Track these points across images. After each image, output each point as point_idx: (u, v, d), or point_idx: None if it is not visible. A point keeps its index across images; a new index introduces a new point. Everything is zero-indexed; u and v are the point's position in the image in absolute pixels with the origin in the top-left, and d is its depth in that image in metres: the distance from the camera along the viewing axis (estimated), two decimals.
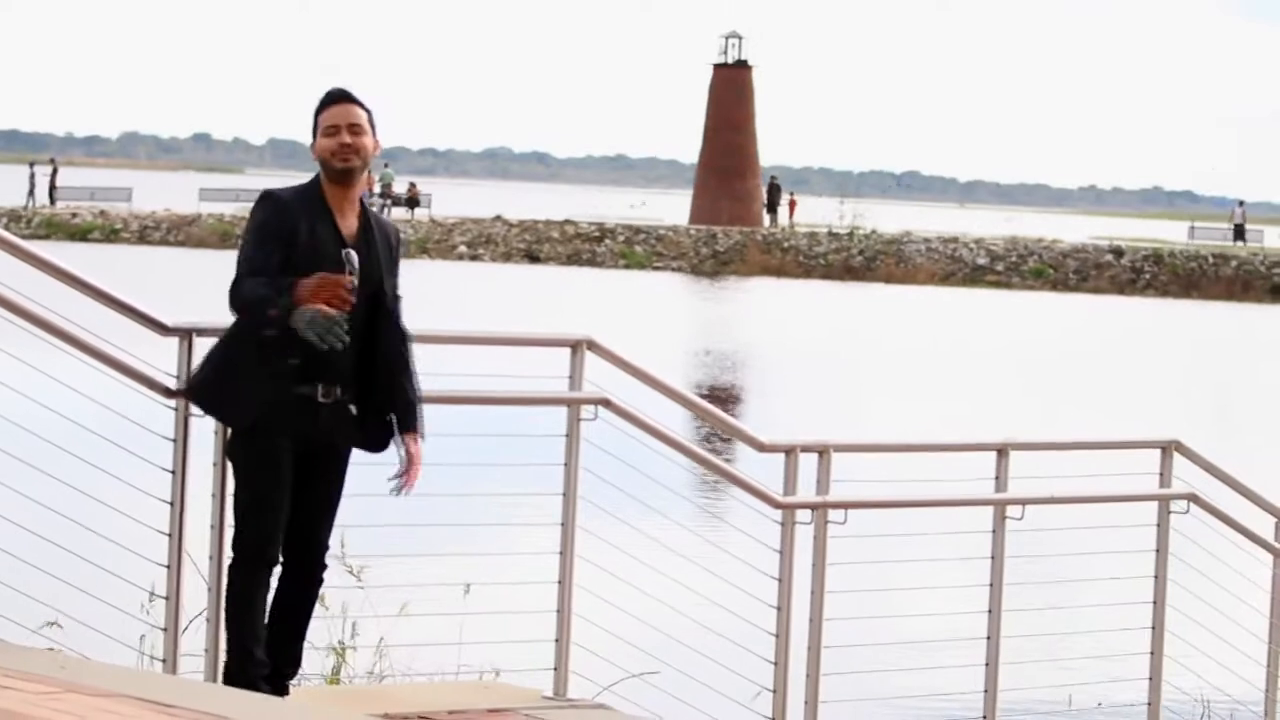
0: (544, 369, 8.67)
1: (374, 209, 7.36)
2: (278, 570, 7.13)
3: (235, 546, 7.08)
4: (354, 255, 7.02)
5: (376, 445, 7.19)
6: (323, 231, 7.03)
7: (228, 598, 7.10)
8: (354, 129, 7.10)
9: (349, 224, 7.13)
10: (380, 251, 7.15)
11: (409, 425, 7.16)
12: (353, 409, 7.11)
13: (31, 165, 76.22)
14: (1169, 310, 61.94)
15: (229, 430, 7.18)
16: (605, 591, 8.60)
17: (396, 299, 7.22)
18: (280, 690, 7.17)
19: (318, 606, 8.37)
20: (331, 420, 7.06)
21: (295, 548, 7.12)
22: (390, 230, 7.27)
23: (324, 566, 7.21)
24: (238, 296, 6.95)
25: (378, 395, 7.13)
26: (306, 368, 6.98)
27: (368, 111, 7.18)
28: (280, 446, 7.00)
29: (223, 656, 7.20)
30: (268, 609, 7.15)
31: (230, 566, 7.09)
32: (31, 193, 74.20)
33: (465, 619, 8.73)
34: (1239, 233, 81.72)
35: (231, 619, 7.08)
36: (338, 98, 7.17)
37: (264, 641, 7.10)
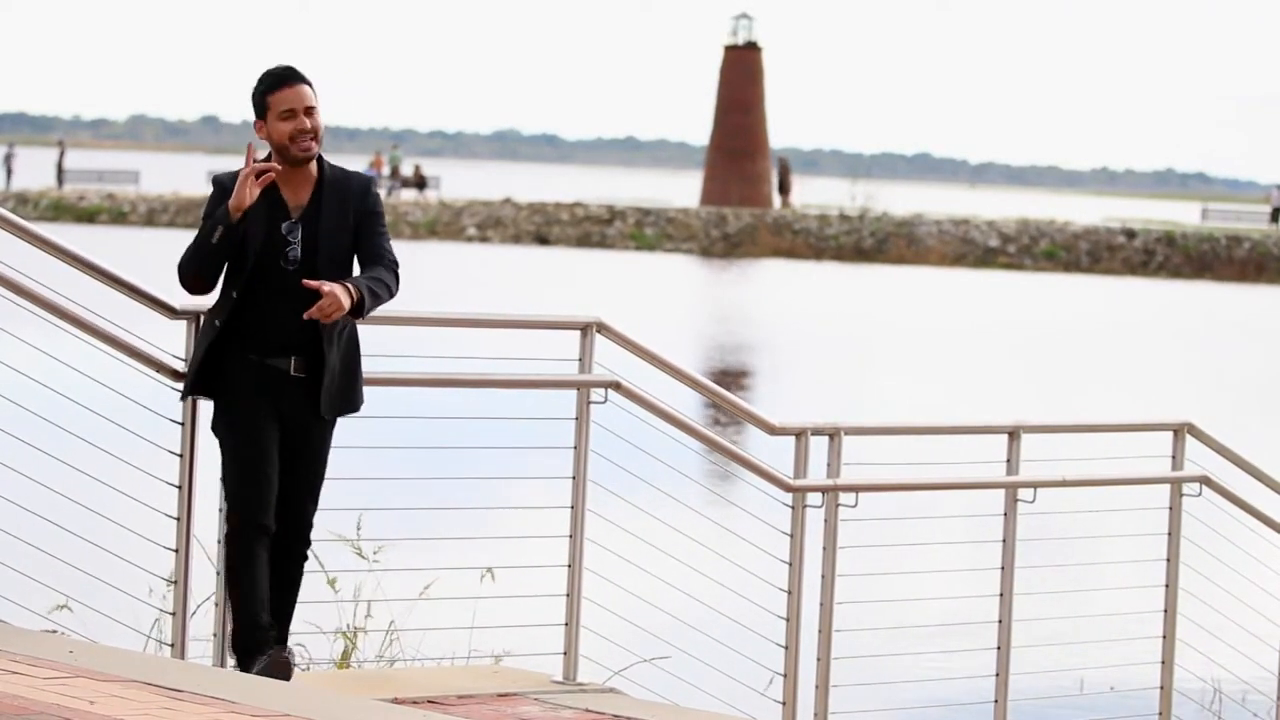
0: (553, 351, 8.64)
1: (383, 189, 7.33)
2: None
3: (228, 518, 7.07)
4: (297, 229, 6.98)
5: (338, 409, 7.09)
6: (257, 206, 6.94)
7: (227, 569, 7.10)
8: (309, 111, 7.02)
9: (298, 197, 7.06)
10: (332, 220, 7.02)
11: (353, 282, 6.96)
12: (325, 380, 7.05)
13: (10, 145, 75.87)
14: (1181, 292, 61.85)
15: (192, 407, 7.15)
16: (615, 575, 8.57)
17: (381, 253, 7.06)
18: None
19: (327, 590, 8.36)
20: (303, 395, 7.03)
21: (279, 523, 7.09)
22: (354, 191, 7.09)
23: (308, 543, 7.18)
24: (181, 267, 6.99)
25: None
26: (277, 341, 6.98)
27: (312, 85, 7.08)
28: (260, 414, 6.99)
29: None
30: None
31: (225, 539, 7.09)
32: (10, 174, 73.87)
33: (475, 603, 8.71)
34: (1276, 215, 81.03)
35: (233, 588, 7.06)
36: (289, 78, 7.03)
37: (268, 606, 7.06)
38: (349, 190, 7.10)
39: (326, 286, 6.89)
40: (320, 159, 7.12)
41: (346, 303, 6.90)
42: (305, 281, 6.92)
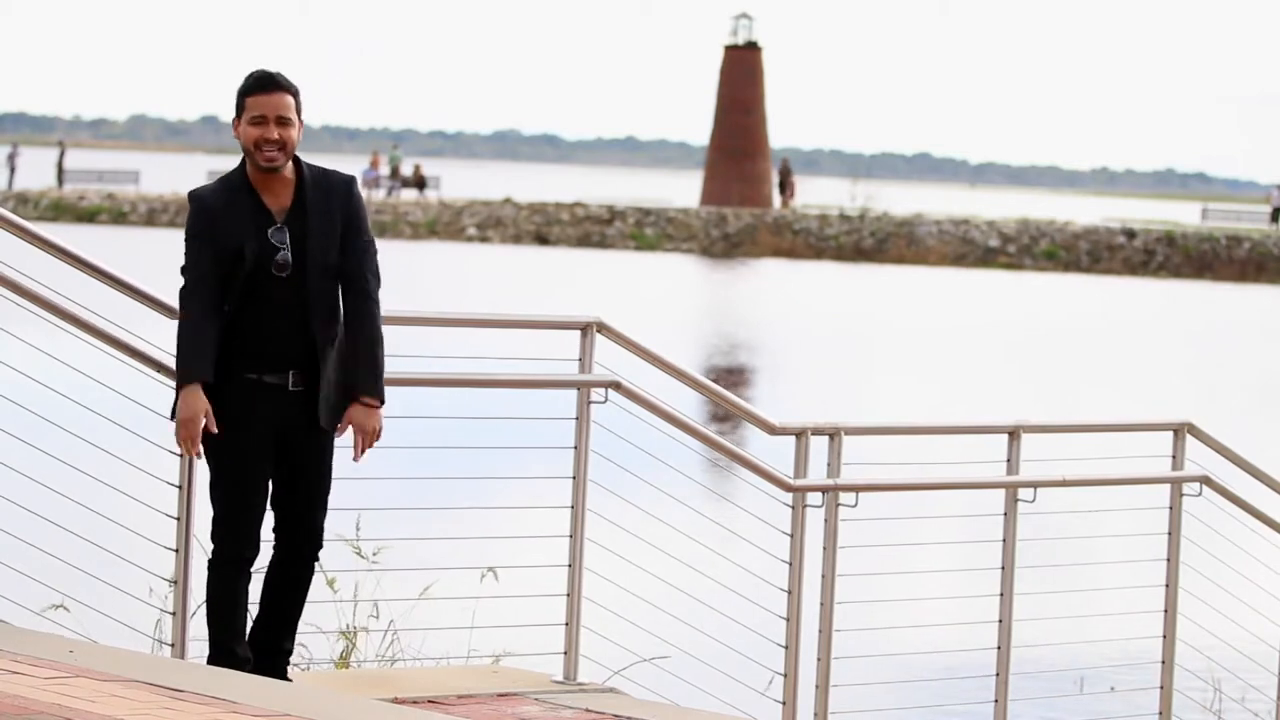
0: (554, 351, 8.64)
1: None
2: (267, 556, 7.09)
3: (213, 541, 7.03)
4: (284, 234, 6.92)
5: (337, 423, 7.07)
6: (243, 216, 6.89)
7: (207, 595, 7.05)
8: (281, 121, 6.94)
9: (280, 201, 6.98)
10: (319, 223, 6.94)
11: (360, 391, 7.00)
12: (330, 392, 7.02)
13: (14, 145, 75.88)
14: (1181, 292, 61.84)
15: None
16: (615, 575, 8.57)
17: (362, 272, 7.00)
18: (278, 678, 7.11)
19: (327, 590, 8.35)
20: (303, 407, 6.97)
21: (290, 533, 7.07)
22: (338, 190, 7.01)
23: (320, 547, 7.15)
24: (180, 320, 6.97)
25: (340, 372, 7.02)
26: (273, 356, 6.92)
27: (295, 94, 7.00)
28: (255, 439, 6.92)
29: None
30: (257, 596, 7.10)
31: (209, 564, 7.04)
32: (12, 174, 73.89)
33: (475, 603, 8.71)
34: (1276, 215, 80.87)
35: (211, 617, 7.03)
36: (265, 84, 6.97)
37: (245, 637, 7.05)
38: (332, 190, 7.01)
39: (351, 426, 6.95)
40: (298, 160, 7.02)
41: (377, 421, 6.98)
42: (353, 418, 6.96)
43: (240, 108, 7.00)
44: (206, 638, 7.35)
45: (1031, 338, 42.70)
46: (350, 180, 7.12)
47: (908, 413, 27.31)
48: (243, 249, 6.87)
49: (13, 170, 74.19)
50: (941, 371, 35.48)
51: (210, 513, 7.07)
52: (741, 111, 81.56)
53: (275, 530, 7.08)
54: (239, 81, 7.07)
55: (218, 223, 6.93)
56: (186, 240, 6.97)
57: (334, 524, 7.53)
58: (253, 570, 7.09)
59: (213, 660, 7.02)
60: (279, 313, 6.91)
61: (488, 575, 9.08)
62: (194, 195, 7.03)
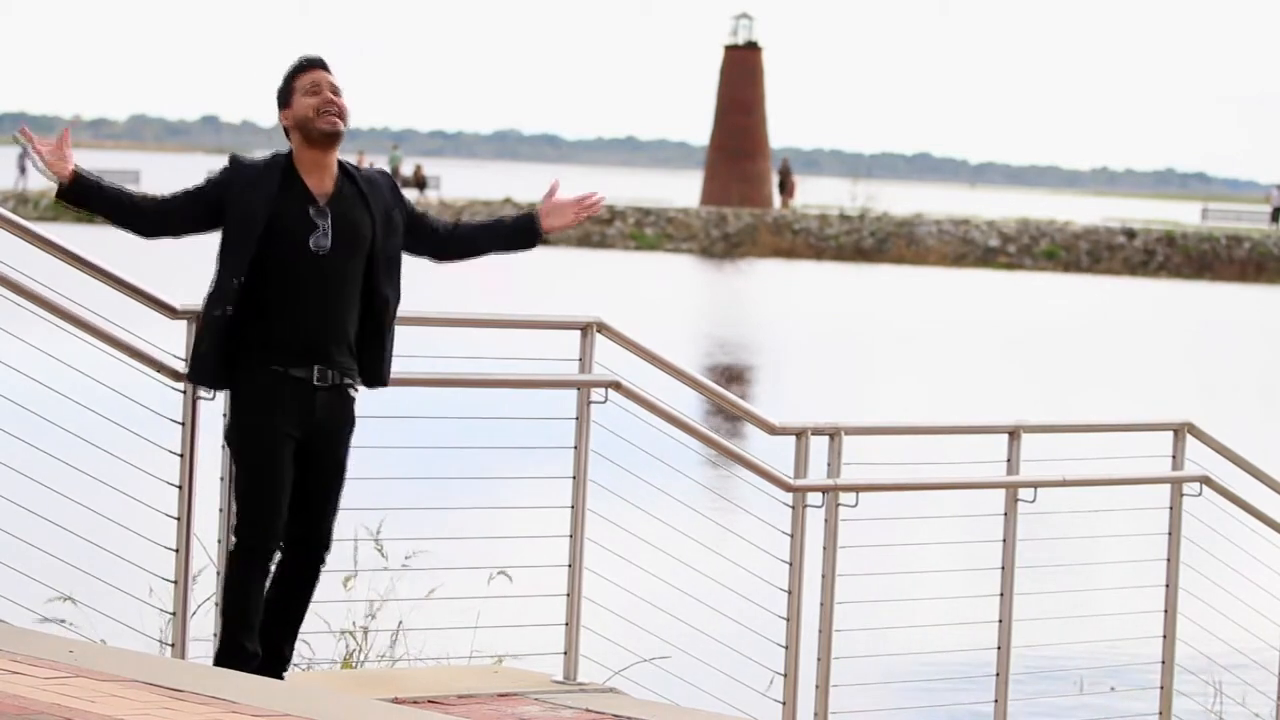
0: (554, 351, 8.64)
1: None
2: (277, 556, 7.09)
3: (235, 534, 7.03)
4: (326, 215, 6.95)
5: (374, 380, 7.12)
6: (279, 187, 6.92)
7: (224, 586, 7.05)
8: (335, 90, 7.05)
9: (323, 186, 7.02)
10: (362, 205, 7.01)
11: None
12: (352, 392, 7.04)
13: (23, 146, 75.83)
14: (1181, 292, 61.84)
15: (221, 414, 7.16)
16: (616, 575, 8.57)
17: (441, 220, 7.27)
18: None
19: (330, 590, 8.35)
20: (328, 405, 6.97)
21: (298, 535, 7.06)
22: (384, 183, 7.13)
23: (327, 550, 7.15)
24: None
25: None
26: (299, 346, 6.92)
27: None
28: (279, 432, 6.91)
29: None
30: (264, 597, 7.09)
31: (230, 555, 7.04)
32: (23, 172, 73.91)
33: (476, 603, 8.71)
34: (1276, 215, 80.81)
35: (225, 609, 7.03)
36: (313, 63, 7.09)
37: (257, 633, 7.04)
38: (377, 182, 7.11)
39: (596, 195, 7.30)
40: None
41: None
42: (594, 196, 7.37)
43: (288, 93, 7.05)
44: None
45: (1031, 338, 42.70)
46: (388, 172, 7.29)
47: (908, 413, 27.31)
48: (270, 215, 6.86)
49: (23, 170, 74.21)
50: (941, 371, 35.48)
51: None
52: (741, 111, 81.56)
53: (285, 531, 7.06)
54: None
55: (247, 186, 6.93)
56: (202, 183, 7.06)
57: (336, 524, 7.55)
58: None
59: (221, 653, 7.02)
60: (311, 303, 6.90)
61: (488, 575, 9.08)
62: (234, 157, 7.10)
